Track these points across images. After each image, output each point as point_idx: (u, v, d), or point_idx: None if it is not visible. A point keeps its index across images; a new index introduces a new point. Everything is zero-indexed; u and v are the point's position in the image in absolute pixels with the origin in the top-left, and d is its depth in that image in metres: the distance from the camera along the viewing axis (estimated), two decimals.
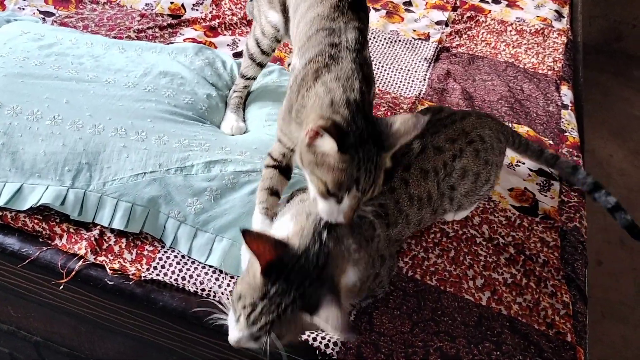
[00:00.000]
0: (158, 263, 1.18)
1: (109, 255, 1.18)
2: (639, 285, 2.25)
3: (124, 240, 1.21)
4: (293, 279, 0.88)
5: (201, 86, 1.46)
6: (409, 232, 1.21)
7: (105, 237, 1.21)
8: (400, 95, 1.76)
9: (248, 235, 0.87)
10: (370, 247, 1.03)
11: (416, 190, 1.14)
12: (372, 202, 1.06)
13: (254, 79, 1.50)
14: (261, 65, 1.46)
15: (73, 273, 1.15)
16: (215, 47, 1.81)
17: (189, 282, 1.15)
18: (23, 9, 1.87)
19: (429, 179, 1.16)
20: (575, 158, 1.61)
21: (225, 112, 1.47)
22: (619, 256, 2.35)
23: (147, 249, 1.21)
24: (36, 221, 1.21)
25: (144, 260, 1.18)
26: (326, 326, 0.86)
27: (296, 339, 0.94)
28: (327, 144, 0.88)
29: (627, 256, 2.36)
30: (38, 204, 1.19)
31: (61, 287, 1.16)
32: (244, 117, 1.48)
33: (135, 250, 1.20)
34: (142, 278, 1.15)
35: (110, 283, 1.14)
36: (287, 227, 0.96)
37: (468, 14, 2.18)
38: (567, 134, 1.69)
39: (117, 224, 1.19)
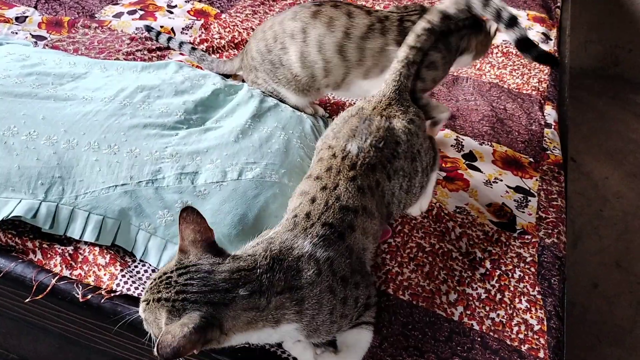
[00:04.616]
0: (129, 278, 1.18)
1: (84, 266, 1.18)
2: (634, 307, 2.20)
3: (97, 252, 1.21)
4: None
5: (178, 95, 1.47)
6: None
7: (80, 251, 1.21)
8: None
9: None
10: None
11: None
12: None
13: None
14: None
15: (48, 289, 1.14)
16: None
17: None
18: (16, 33, 1.92)
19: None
20: (556, 174, 1.60)
21: None
22: (615, 278, 2.31)
23: (119, 261, 1.20)
24: (10, 236, 1.22)
25: (118, 271, 1.18)
26: None
27: None
28: None
29: (623, 278, 2.32)
30: (10, 217, 1.20)
31: (27, 299, 1.15)
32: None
33: (107, 264, 1.19)
34: (113, 293, 1.14)
35: (79, 296, 1.14)
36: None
37: None
38: (548, 152, 1.68)
39: (88, 237, 1.19)
